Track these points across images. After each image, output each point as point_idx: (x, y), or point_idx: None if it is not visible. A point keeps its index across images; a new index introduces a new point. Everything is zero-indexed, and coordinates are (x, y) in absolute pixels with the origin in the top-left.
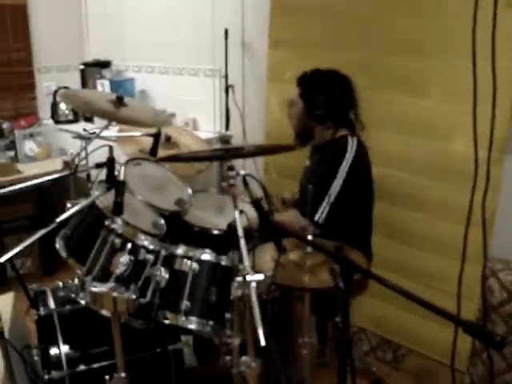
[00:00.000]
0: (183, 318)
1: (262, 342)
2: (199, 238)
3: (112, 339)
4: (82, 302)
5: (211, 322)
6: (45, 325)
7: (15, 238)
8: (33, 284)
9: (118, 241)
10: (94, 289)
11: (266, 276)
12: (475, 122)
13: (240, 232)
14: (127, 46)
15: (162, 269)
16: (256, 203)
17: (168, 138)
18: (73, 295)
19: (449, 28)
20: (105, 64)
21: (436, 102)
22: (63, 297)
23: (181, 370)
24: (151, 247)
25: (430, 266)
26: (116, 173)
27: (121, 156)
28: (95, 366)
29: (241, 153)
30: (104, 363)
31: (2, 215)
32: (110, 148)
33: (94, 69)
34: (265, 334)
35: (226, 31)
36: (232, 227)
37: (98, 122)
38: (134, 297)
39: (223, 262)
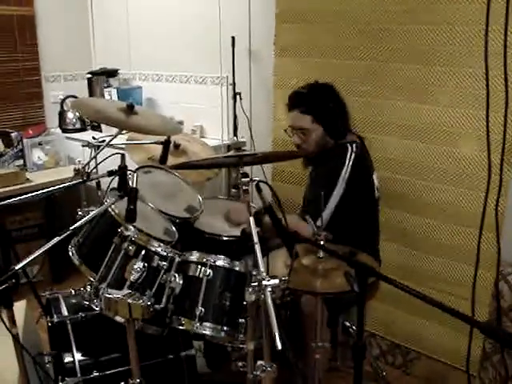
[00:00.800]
0: (198, 324)
1: (279, 346)
2: (210, 244)
3: (124, 346)
4: (97, 308)
5: (225, 328)
6: (58, 332)
7: (25, 246)
8: (46, 291)
9: (131, 248)
10: (108, 296)
11: (281, 281)
12: (488, 127)
13: (255, 237)
14: (134, 55)
15: (176, 275)
16: (269, 209)
17: (177, 146)
18: (86, 302)
19: (459, 35)
20: (112, 73)
21: (444, 107)
22: (76, 304)
23: (194, 376)
24: (165, 254)
25: (441, 271)
26: (128, 180)
27: (130, 164)
28: (108, 372)
29: (255, 159)
30: (117, 370)
31: (12, 223)
32: (122, 156)
33: (101, 77)
34: (281, 338)
35: (233, 39)
36: (246, 233)
37: (106, 131)
38: (148, 303)
39: (237, 268)
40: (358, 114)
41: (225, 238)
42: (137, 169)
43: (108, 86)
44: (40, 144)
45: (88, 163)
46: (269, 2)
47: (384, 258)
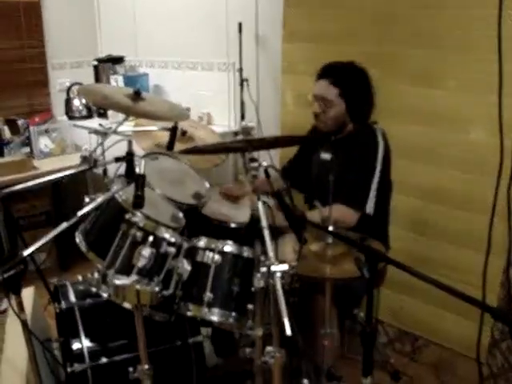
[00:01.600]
0: (206, 310)
1: (288, 332)
2: (217, 231)
3: (133, 332)
4: (105, 295)
5: (234, 314)
6: (66, 318)
7: (32, 233)
8: (53, 278)
9: (139, 234)
10: (117, 282)
11: (290, 266)
12: (500, 112)
13: (264, 223)
14: (140, 42)
15: (185, 261)
16: (278, 195)
17: (184, 132)
18: (94, 289)
19: (470, 19)
20: (118, 60)
21: (455, 93)
22: (83, 290)
23: (201, 363)
24: (173, 240)
25: (451, 258)
26: (135, 167)
27: (137, 151)
28: (117, 358)
29: (263, 144)
30: (125, 356)
31: (19, 211)
32: (129, 142)
33: (107, 65)
34: (290, 323)
35: (240, 25)
36: (255, 218)
37: (112, 118)
38: (157, 289)
39: (245, 254)
40: None
41: (232, 225)
42: (144, 155)
43: (114, 73)
44: (46, 131)
45: (95, 150)
46: None
47: (393, 245)
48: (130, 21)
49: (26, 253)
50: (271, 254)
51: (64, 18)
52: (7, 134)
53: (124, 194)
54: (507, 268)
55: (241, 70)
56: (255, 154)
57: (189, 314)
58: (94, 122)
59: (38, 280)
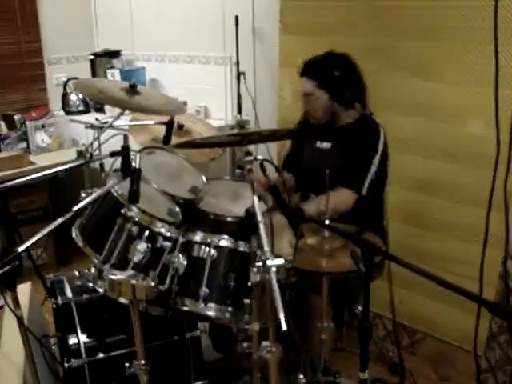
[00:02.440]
0: (202, 305)
1: (284, 327)
2: (214, 225)
3: (130, 327)
4: (101, 290)
5: (230, 309)
6: (62, 314)
7: (30, 229)
8: (49, 274)
9: (134, 228)
10: (112, 277)
11: (286, 260)
12: (497, 104)
13: (259, 217)
14: (137, 36)
15: (180, 256)
16: (273, 189)
17: (181, 126)
18: (90, 284)
19: (467, 10)
20: (114, 54)
21: (452, 85)
22: (80, 286)
23: (199, 358)
24: (168, 234)
25: (448, 251)
26: (131, 161)
27: (134, 145)
28: (113, 353)
29: (258, 137)
30: (122, 351)
31: (17, 206)
32: (125, 136)
33: (103, 59)
34: (286, 318)
35: (237, 18)
36: (250, 212)
37: (109, 112)
38: (152, 284)
39: (241, 248)
40: None
41: (229, 219)
42: (140, 150)
43: (111, 68)
44: (43, 126)
45: (91, 144)
46: None
47: (391, 238)
48: (126, 15)
49: (20, 249)
50: (267, 248)
51: (60, 13)
52: (4, 129)
53: (120, 188)
54: (505, 261)
55: (238, 63)
56: (251, 148)
57: (185, 308)
58: (91, 117)
59: (35, 275)
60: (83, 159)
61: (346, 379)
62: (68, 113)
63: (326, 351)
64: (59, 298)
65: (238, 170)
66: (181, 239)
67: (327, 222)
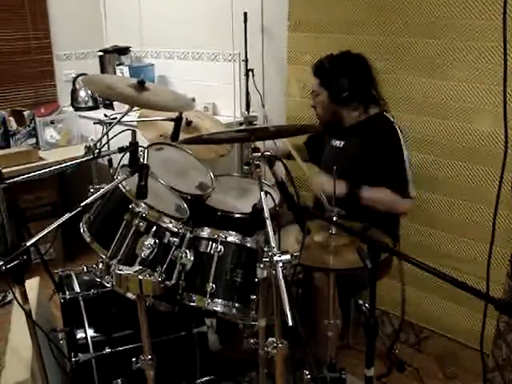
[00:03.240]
0: (209, 301)
1: (290, 322)
2: (222, 221)
3: (137, 322)
4: (108, 285)
5: (237, 304)
6: (70, 308)
7: (39, 224)
8: (57, 269)
9: (142, 224)
10: (119, 272)
11: (292, 256)
12: (505, 102)
13: (266, 213)
14: (146, 32)
15: (188, 251)
16: (281, 185)
17: (189, 123)
18: (98, 279)
19: (475, 7)
20: (124, 50)
21: (460, 82)
22: (88, 281)
23: (205, 353)
24: (176, 230)
25: (455, 249)
26: (139, 157)
27: (142, 141)
28: (121, 348)
29: (266, 134)
30: (129, 346)
31: (26, 202)
32: (133, 132)
33: (112, 55)
34: (292, 314)
35: (245, 15)
36: (257, 208)
37: (118, 108)
38: (159, 279)
39: (248, 244)
40: None
41: (237, 215)
42: (148, 146)
43: (120, 64)
44: (52, 122)
45: (99, 140)
46: None
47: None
48: (135, 11)
49: (28, 243)
50: (273, 244)
51: (69, 9)
52: (13, 125)
53: (128, 184)
54: (511, 259)
55: (246, 60)
56: (259, 144)
57: (192, 304)
58: (100, 113)
59: (44, 270)
60: (91, 155)
61: (353, 376)
62: (77, 109)
63: (333, 348)
64: (67, 293)
65: (245, 167)
66: (188, 235)
67: (335, 219)
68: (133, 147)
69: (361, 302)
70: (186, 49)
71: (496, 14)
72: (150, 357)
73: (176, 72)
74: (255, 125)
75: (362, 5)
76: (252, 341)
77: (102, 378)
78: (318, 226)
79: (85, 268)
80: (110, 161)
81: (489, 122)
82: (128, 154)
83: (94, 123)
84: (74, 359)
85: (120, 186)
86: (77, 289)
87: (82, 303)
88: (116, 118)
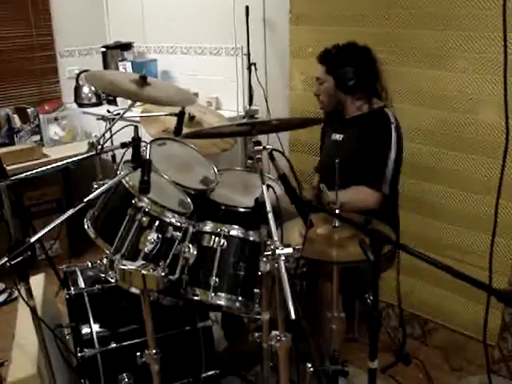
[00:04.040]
0: (212, 294)
1: (293, 316)
2: (226, 216)
3: (141, 317)
4: (112, 280)
5: (240, 298)
6: (75, 304)
7: (44, 221)
8: (62, 265)
9: (145, 219)
10: (123, 267)
11: (294, 249)
12: (506, 92)
13: (268, 206)
14: (148, 28)
15: (190, 246)
16: (283, 178)
17: (192, 117)
18: (102, 274)
19: None
20: (126, 46)
21: (461, 73)
22: (92, 276)
23: (210, 347)
24: (179, 224)
25: (459, 240)
26: (141, 152)
27: (145, 137)
28: (126, 343)
29: (267, 127)
30: (135, 341)
31: (31, 199)
32: (136, 128)
33: (115, 51)
34: (295, 307)
35: (247, 8)
36: (259, 202)
37: (122, 104)
38: (162, 274)
39: (251, 238)
40: None
41: (241, 210)
42: (151, 141)
43: (123, 60)
44: (56, 119)
45: (102, 136)
46: None
47: (401, 228)
48: (137, 7)
49: (32, 239)
50: (276, 237)
51: (72, 6)
52: (17, 122)
53: (131, 179)
54: None
55: (248, 54)
56: (260, 137)
57: (195, 298)
58: (104, 109)
59: (49, 267)
60: (94, 151)
61: (359, 369)
62: (80, 105)
63: (336, 341)
64: (72, 289)
65: (249, 161)
66: (191, 229)
67: (337, 211)
68: (135, 142)
69: (365, 294)
70: (189, 43)
71: (495, 4)
72: (154, 351)
73: (179, 67)
74: (257, 118)
75: None
76: (256, 334)
77: (108, 372)
78: (320, 218)
79: (89, 264)
80: (113, 157)
81: (490, 112)
82: (131, 149)
83: (97, 119)
84: (79, 354)
85: (123, 181)
86: (81, 284)
87: (86, 299)
88: (119, 114)
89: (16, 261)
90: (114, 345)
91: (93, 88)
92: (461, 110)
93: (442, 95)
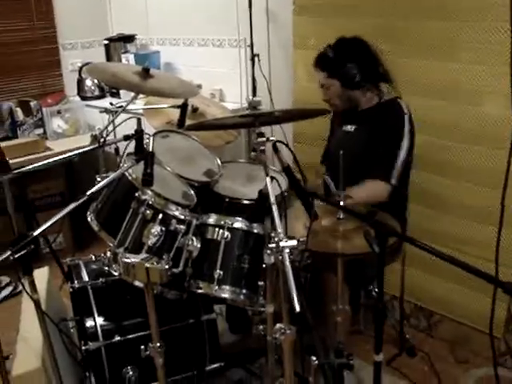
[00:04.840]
0: (216, 287)
1: (297, 308)
2: (230, 208)
3: (146, 310)
4: (116, 273)
5: (244, 291)
6: (79, 297)
7: (47, 214)
8: (66, 258)
9: (148, 212)
10: (126, 260)
11: (299, 242)
12: None
13: (272, 198)
14: (151, 20)
15: (194, 238)
16: (287, 170)
17: (195, 109)
18: (106, 267)
19: None
20: (129, 38)
21: (467, 64)
22: (96, 269)
23: (215, 340)
24: (182, 217)
25: (464, 233)
26: (144, 144)
27: (148, 129)
28: (130, 336)
29: (271, 118)
30: (139, 334)
31: (34, 192)
32: (138, 120)
33: (118, 44)
34: (299, 300)
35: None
36: (263, 194)
37: (125, 97)
38: (166, 267)
39: (255, 230)
40: None
41: (245, 202)
42: (154, 133)
43: (125, 52)
44: (59, 112)
45: (105, 129)
46: None
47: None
48: None
49: (35, 233)
50: (280, 229)
51: None
52: (20, 115)
53: (134, 172)
54: None
55: (252, 45)
56: (264, 129)
57: (199, 291)
58: (107, 102)
59: (53, 260)
60: (97, 143)
61: (364, 362)
62: (83, 98)
63: (341, 333)
64: (76, 282)
65: (253, 153)
66: (194, 222)
67: (341, 203)
68: (138, 135)
69: (370, 287)
70: (192, 35)
71: None
72: (158, 344)
73: (182, 59)
74: (259, 109)
75: None
76: (261, 327)
77: (112, 365)
78: (325, 210)
79: (93, 257)
80: (116, 149)
81: (497, 104)
82: (134, 141)
83: (100, 112)
84: (84, 348)
85: (126, 173)
86: (85, 278)
87: (90, 292)
88: (122, 107)
89: (19, 254)
90: (119, 338)
91: (96, 81)
92: (466, 102)
93: (447, 87)
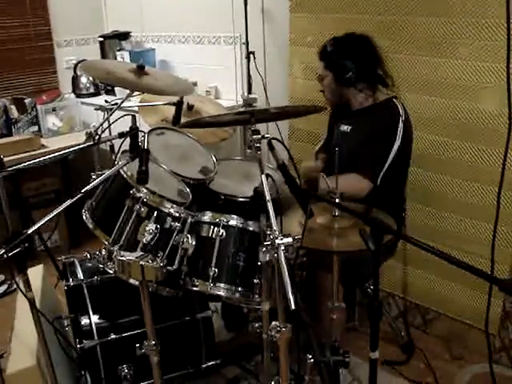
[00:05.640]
0: (211, 285)
1: (292, 306)
2: (225, 205)
3: (141, 308)
4: (111, 271)
5: (239, 288)
6: (74, 295)
7: (42, 212)
8: (61, 256)
9: (143, 209)
10: (121, 258)
11: (294, 239)
12: (509, 80)
13: (267, 195)
14: (146, 17)
15: (189, 236)
16: (282, 167)
17: (190, 107)
18: (101, 265)
19: None
20: (124, 35)
21: (464, 61)
22: (91, 267)
23: (210, 338)
24: (177, 215)
25: (460, 230)
26: (139, 142)
27: (143, 126)
28: (125, 334)
29: (266, 116)
30: (134, 332)
31: (29, 190)
32: (133, 117)
33: (113, 41)
34: (295, 297)
35: None
36: (258, 191)
37: (120, 94)
38: (161, 265)
39: (250, 227)
40: None
41: (240, 199)
42: (149, 130)
43: (120, 49)
44: (54, 110)
45: (100, 126)
46: None
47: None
48: None
49: (29, 231)
50: (275, 227)
51: None
52: (15, 113)
53: (129, 169)
54: None
55: (247, 42)
56: (259, 126)
57: (195, 289)
58: (102, 99)
59: (48, 258)
60: (92, 141)
61: (358, 359)
62: (78, 95)
63: (337, 331)
64: (71, 280)
65: (248, 150)
66: (190, 219)
67: (337, 200)
68: (133, 132)
69: (366, 284)
70: (187, 33)
71: None
72: (154, 342)
73: (177, 56)
74: (255, 107)
75: None
76: (257, 325)
77: (108, 363)
78: (320, 208)
79: (88, 255)
80: (111, 147)
81: (493, 100)
82: (129, 139)
83: (95, 109)
84: (79, 346)
85: (121, 171)
86: (80, 276)
87: (85, 290)
88: (117, 104)
89: (13, 252)
90: (114, 336)
91: (90, 78)
92: (462, 98)
93: (444, 83)
